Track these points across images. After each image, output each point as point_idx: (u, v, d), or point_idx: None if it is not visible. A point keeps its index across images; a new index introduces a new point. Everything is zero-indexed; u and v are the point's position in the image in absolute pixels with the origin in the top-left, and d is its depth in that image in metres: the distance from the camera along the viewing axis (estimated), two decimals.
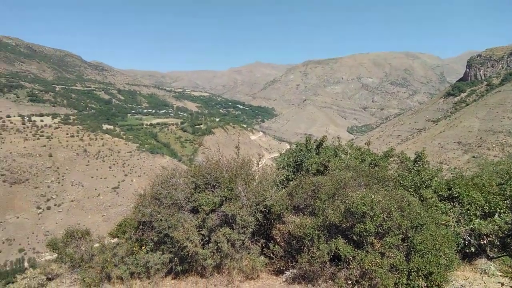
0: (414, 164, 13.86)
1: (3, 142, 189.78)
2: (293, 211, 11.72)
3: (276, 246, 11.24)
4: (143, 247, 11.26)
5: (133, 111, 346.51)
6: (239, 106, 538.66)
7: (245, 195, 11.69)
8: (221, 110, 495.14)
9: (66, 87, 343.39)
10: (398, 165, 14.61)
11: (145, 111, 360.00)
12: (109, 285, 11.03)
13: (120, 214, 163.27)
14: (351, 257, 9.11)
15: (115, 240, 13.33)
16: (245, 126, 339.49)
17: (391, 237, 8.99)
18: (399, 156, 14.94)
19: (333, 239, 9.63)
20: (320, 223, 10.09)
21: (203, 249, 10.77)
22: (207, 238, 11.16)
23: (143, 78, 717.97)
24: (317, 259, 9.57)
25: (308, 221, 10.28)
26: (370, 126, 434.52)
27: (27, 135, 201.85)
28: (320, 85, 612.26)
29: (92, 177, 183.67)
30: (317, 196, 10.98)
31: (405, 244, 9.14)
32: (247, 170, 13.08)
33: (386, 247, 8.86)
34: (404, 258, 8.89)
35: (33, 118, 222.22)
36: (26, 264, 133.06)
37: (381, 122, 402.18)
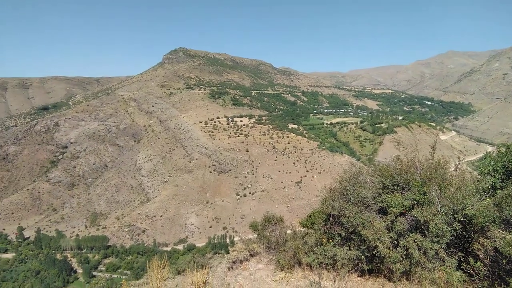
0: None
1: (214, 139, 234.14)
2: (502, 225, 9.82)
3: (478, 262, 9.68)
4: (330, 240, 11.83)
5: (315, 111, 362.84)
6: (426, 102, 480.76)
7: (439, 201, 10.58)
8: (404, 108, 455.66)
9: (260, 91, 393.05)
10: None
11: (325, 110, 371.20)
12: (300, 269, 12.12)
13: (302, 207, 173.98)
14: None
15: (304, 229, 14.46)
16: (433, 124, 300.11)
17: None
18: None
19: None
20: None
21: (392, 252, 10.40)
22: (395, 241, 10.69)
23: (324, 79, 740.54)
24: None
25: None
26: None
27: (230, 133, 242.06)
28: None
29: (279, 171, 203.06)
30: None
31: None
32: (443, 174, 11.75)
33: None
34: None
35: (235, 119, 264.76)
36: (227, 240, 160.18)
37: None
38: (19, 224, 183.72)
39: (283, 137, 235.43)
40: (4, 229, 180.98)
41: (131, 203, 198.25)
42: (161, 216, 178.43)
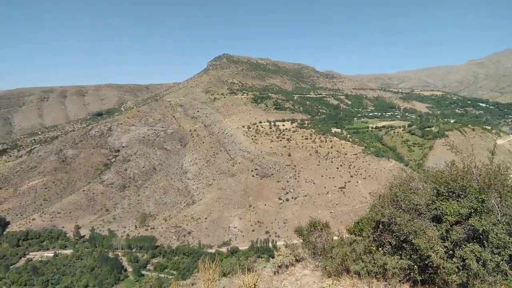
0: None
1: (257, 143, 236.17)
2: None
3: None
4: (380, 248, 11.50)
5: (359, 115, 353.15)
6: (480, 104, 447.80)
7: (500, 210, 9.95)
8: (457, 110, 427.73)
9: (302, 95, 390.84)
10: None
11: (370, 114, 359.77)
12: (347, 277, 11.91)
13: (346, 213, 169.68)
14: None
15: (352, 236, 14.19)
16: (488, 128, 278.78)
17: None
18: None
19: None
20: None
21: (447, 262, 9.92)
22: (450, 251, 10.19)
23: (369, 82, 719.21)
24: None
25: None
26: None
27: (272, 137, 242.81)
28: None
29: (322, 176, 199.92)
30: None
31: None
32: (503, 181, 11.01)
33: None
34: None
35: (277, 123, 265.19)
36: (270, 244, 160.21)
37: None
38: (76, 222, 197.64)
39: (326, 141, 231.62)
40: (63, 227, 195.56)
41: (178, 205, 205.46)
42: (205, 218, 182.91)
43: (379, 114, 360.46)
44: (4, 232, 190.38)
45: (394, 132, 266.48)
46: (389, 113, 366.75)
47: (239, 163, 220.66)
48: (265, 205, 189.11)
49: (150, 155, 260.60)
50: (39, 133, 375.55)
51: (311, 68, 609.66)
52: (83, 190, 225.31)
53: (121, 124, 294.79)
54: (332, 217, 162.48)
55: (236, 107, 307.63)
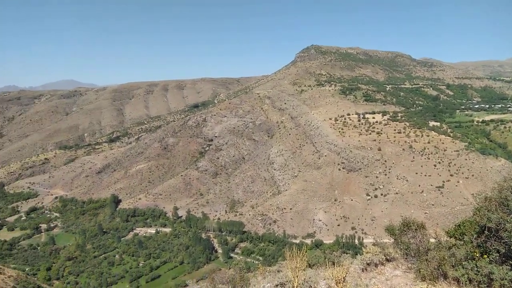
0: None
1: (344, 136, 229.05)
2: None
3: None
4: (485, 255, 10.58)
5: (463, 107, 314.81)
6: None
7: None
8: None
9: (396, 86, 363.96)
10: None
11: (476, 106, 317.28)
12: (444, 283, 11.20)
13: (443, 215, 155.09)
14: None
15: (451, 240, 13.23)
16: None
17: None
18: None
19: None
20: None
21: None
22: None
23: (475, 70, 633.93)
24: None
25: None
26: None
27: (361, 130, 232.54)
28: None
29: (416, 173, 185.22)
30: None
31: None
32: None
33: None
34: None
35: (366, 115, 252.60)
36: (356, 241, 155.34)
37: None
38: (174, 204, 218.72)
39: (422, 135, 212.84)
40: (164, 207, 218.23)
41: (264, 194, 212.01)
42: (290, 209, 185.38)
43: (487, 106, 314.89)
44: (117, 208, 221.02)
45: (505, 127, 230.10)
46: (499, 105, 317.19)
47: (325, 156, 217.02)
48: (352, 200, 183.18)
49: (239, 145, 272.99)
50: (145, 122, 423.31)
51: (406, 56, 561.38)
52: (181, 175, 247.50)
53: (214, 115, 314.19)
54: (427, 218, 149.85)
55: (323, 99, 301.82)
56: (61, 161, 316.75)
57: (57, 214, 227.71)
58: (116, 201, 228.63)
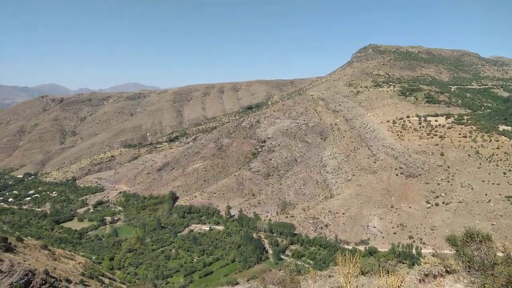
0: None
1: (402, 139, 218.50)
2: None
3: None
4: None
5: None
6: None
7: None
8: None
9: (461, 86, 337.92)
10: None
11: None
12: None
13: None
14: None
15: None
16: None
17: None
18: None
19: None
20: None
21: None
22: None
23: None
24: None
25: None
26: None
27: (422, 134, 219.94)
28: None
29: (482, 181, 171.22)
30: None
31: None
32: None
33: None
34: None
35: (428, 118, 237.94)
36: (413, 251, 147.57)
37: None
38: (228, 203, 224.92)
39: (491, 140, 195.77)
40: (217, 206, 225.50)
41: (316, 197, 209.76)
42: (343, 213, 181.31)
43: None
44: (174, 205, 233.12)
45: None
46: None
47: (382, 160, 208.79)
48: (410, 207, 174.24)
49: (292, 147, 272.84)
50: (202, 123, 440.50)
51: (474, 55, 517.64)
52: (234, 175, 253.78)
53: (268, 117, 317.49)
54: (494, 230, 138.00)
55: (380, 101, 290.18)
56: (126, 158, 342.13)
57: (121, 208, 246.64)
58: (174, 197, 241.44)
